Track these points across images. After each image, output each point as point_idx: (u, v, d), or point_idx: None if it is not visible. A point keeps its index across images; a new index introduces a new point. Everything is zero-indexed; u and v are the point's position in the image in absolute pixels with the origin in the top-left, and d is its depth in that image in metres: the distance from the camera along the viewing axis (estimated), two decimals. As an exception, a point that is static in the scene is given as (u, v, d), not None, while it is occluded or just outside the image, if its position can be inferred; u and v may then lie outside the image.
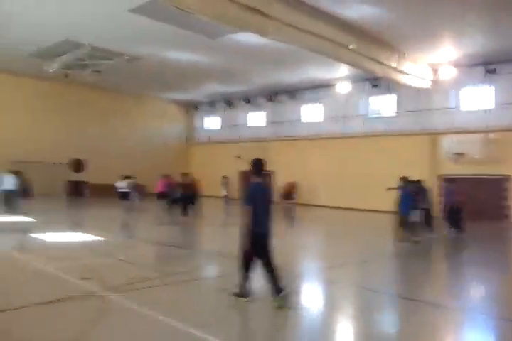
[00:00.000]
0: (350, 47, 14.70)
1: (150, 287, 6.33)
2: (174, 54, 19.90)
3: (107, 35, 17.44)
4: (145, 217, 17.24)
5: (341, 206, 23.00)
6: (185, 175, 18.12)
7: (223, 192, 25.34)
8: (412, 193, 12.13)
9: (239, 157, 27.70)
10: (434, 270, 9.36)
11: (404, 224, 11.86)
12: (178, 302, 5.85)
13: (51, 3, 14.46)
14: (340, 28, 14.23)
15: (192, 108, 33.51)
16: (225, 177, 25.86)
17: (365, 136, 23.15)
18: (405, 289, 7.19)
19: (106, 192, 21.85)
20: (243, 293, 5.75)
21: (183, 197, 16.74)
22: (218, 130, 31.96)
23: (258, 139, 28.36)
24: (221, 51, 18.85)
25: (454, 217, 13.30)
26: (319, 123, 25.71)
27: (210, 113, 32.52)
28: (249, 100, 28.84)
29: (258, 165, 5.85)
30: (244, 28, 12.40)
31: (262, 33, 12.37)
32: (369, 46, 15.79)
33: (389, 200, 13.14)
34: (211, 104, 31.58)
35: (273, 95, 27.54)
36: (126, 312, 5.26)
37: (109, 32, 17.09)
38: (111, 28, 16.59)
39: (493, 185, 19.19)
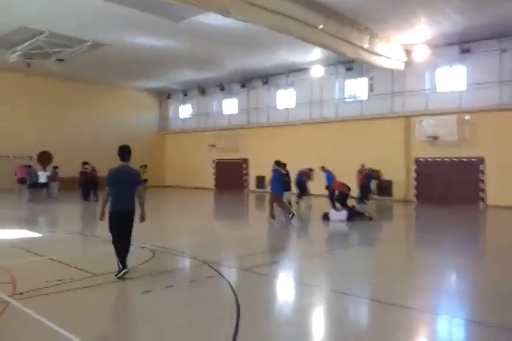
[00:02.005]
0: (320, 26, 14.09)
1: (68, 290, 5.63)
2: (140, 39, 19.03)
3: (65, 20, 16.51)
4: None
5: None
6: (84, 163, 19.77)
7: None
8: (283, 175, 13.36)
9: (213, 145, 27.30)
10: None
11: (277, 202, 12.81)
12: (88, 308, 5.20)
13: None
14: (307, 7, 13.56)
15: (164, 96, 32.58)
16: (142, 166, 25.53)
17: (340, 120, 22.69)
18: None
19: (73, 186, 21.13)
20: (121, 267, 6.20)
21: (84, 183, 19.17)
22: (192, 118, 31.15)
23: (232, 127, 27.73)
24: (187, 35, 18.05)
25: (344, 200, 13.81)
26: (293, 108, 25.08)
27: (183, 101, 31.67)
28: (223, 87, 28.10)
29: (123, 151, 6.44)
30: (205, 7, 11.75)
31: (224, 12, 11.70)
32: (339, 26, 15.14)
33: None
34: (184, 92, 30.73)
35: (247, 81, 26.86)
36: (27, 321, 4.61)
37: (68, 17, 16.18)
38: (69, 12, 15.69)
39: (468, 167, 18.74)
